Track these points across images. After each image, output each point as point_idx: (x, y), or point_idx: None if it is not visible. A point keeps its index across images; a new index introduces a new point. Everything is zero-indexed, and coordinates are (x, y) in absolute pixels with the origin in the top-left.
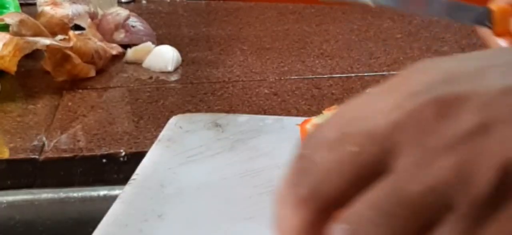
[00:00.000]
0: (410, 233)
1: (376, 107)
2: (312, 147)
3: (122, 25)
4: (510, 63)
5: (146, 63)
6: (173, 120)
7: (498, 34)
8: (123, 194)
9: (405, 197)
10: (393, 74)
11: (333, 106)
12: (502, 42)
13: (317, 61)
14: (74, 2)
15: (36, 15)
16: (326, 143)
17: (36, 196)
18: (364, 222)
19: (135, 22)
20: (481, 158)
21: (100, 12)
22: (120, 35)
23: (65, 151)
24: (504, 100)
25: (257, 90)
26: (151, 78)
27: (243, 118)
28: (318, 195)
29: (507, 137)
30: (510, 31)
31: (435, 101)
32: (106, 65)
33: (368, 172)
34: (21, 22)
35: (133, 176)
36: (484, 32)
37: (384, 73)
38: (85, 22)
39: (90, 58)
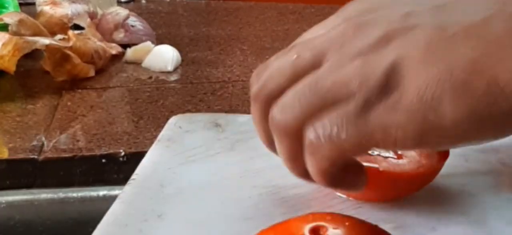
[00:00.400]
0: (315, 111)
1: (321, 27)
2: (271, 60)
3: (121, 25)
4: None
5: (146, 63)
6: (172, 120)
7: None
8: (123, 194)
9: (317, 86)
10: None
11: None
12: None
13: None
14: (73, 2)
15: (35, 14)
16: (278, 54)
17: (36, 196)
18: (284, 104)
19: (134, 21)
20: (378, 61)
21: (99, 11)
22: (120, 35)
23: (64, 151)
24: (404, 20)
25: None
26: (150, 78)
27: (243, 118)
28: (264, 90)
29: (400, 45)
30: None
31: (355, 22)
32: (105, 65)
33: (302, 71)
34: (20, 21)
35: (133, 176)
36: None
37: None
38: (84, 22)
39: (89, 58)
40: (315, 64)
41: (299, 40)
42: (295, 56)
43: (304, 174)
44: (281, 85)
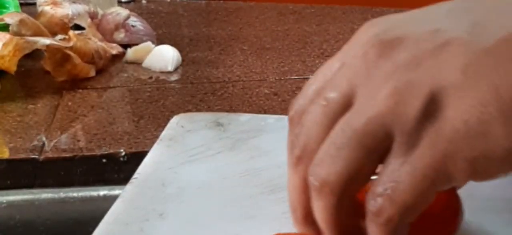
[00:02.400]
0: (361, 162)
1: (338, 59)
2: (298, 113)
3: (122, 25)
4: (439, 12)
5: (146, 63)
6: (175, 119)
7: None
8: (124, 193)
9: (352, 129)
10: None
11: None
12: None
13: (317, 61)
14: (74, 2)
15: (36, 15)
16: (305, 105)
17: (36, 196)
18: (323, 157)
19: (135, 22)
20: (412, 88)
21: (100, 12)
22: (120, 35)
23: (65, 151)
24: (433, 37)
25: (257, 90)
26: (151, 78)
27: (245, 117)
28: (305, 153)
29: (433, 68)
30: None
31: (378, 43)
32: (106, 65)
33: (336, 117)
34: (21, 22)
35: (134, 175)
36: None
37: None
38: (85, 22)
39: (90, 58)
40: (346, 104)
41: (321, 75)
42: (324, 103)
43: None
44: (322, 139)
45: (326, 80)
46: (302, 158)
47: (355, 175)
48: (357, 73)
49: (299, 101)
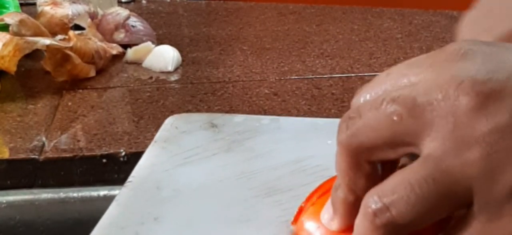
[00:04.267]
0: (437, 213)
1: (422, 78)
2: (362, 102)
3: (122, 25)
4: None
5: (146, 63)
6: (169, 120)
7: None
8: (119, 196)
9: (436, 184)
10: None
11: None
12: None
13: (317, 61)
14: (74, 2)
15: (36, 15)
16: (373, 102)
17: (36, 196)
18: (399, 199)
19: (135, 22)
20: (507, 159)
21: (100, 12)
22: (120, 35)
23: (65, 151)
24: None
25: (257, 90)
26: (151, 78)
27: (239, 118)
28: (354, 140)
29: None
30: None
31: (474, 94)
32: (106, 65)
33: (400, 139)
34: (21, 22)
35: (129, 178)
36: None
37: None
38: (85, 22)
39: (90, 58)
40: (418, 135)
41: (394, 84)
42: (395, 117)
43: None
44: (376, 144)
45: (404, 88)
46: (348, 145)
47: (422, 222)
48: (444, 115)
49: (376, 87)
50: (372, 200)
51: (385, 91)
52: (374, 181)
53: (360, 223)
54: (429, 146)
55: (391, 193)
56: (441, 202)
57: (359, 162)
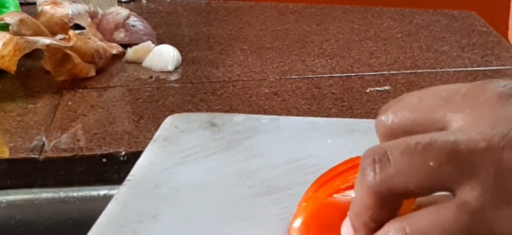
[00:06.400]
0: None
1: (461, 121)
2: (393, 144)
3: (122, 25)
4: None
5: (146, 63)
6: (168, 119)
7: None
8: (118, 194)
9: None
10: (394, 74)
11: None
12: None
13: (317, 61)
14: (74, 2)
15: (36, 14)
16: (406, 146)
17: (36, 196)
18: None
19: (135, 21)
20: None
21: (100, 11)
22: (120, 35)
23: (65, 150)
24: None
25: (257, 89)
26: (151, 77)
27: (239, 117)
28: (386, 184)
29: None
30: None
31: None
32: (106, 65)
33: (435, 184)
34: (21, 21)
35: (128, 177)
36: None
37: (384, 72)
38: (85, 22)
39: (90, 57)
40: (456, 182)
41: (428, 110)
42: (431, 163)
43: None
44: (408, 190)
45: (440, 129)
46: (379, 187)
47: None
48: (486, 164)
49: (399, 125)
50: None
51: (418, 128)
52: (396, 209)
53: None
54: (467, 194)
55: (423, 234)
56: None
57: (387, 202)
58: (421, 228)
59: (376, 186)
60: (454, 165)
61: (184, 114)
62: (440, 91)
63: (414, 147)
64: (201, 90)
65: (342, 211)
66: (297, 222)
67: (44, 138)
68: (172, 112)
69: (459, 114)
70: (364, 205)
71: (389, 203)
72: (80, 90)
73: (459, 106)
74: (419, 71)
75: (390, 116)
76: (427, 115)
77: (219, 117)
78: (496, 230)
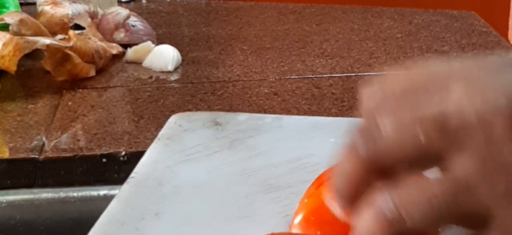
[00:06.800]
0: (450, 227)
1: (451, 92)
2: (382, 112)
3: (122, 25)
4: None
5: (146, 63)
6: (173, 118)
7: None
8: (121, 192)
9: (459, 204)
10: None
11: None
12: None
13: (317, 61)
14: (74, 2)
15: (36, 14)
16: (396, 119)
17: (36, 196)
18: (418, 212)
19: (135, 21)
20: None
21: (100, 11)
22: (120, 35)
23: (65, 150)
24: None
25: (257, 89)
26: (151, 77)
27: (242, 116)
28: (371, 149)
29: None
30: None
31: (509, 115)
32: (106, 65)
33: (426, 157)
34: (21, 21)
35: (132, 175)
36: None
37: (384, 72)
38: (85, 22)
39: (90, 57)
40: (446, 154)
41: (419, 97)
42: (421, 136)
43: None
44: (396, 159)
45: (429, 100)
46: (366, 162)
47: (430, 231)
48: (474, 135)
49: (398, 97)
50: (387, 206)
51: (407, 102)
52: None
53: (369, 223)
54: (457, 165)
55: (410, 204)
56: (459, 220)
57: (374, 172)
58: (411, 199)
59: (368, 158)
60: (445, 140)
61: (187, 113)
62: (429, 68)
63: (405, 121)
64: (201, 90)
65: None
66: (299, 218)
67: (44, 138)
68: (172, 112)
69: (451, 85)
70: (351, 174)
71: (377, 174)
72: (80, 90)
73: (450, 76)
74: None
75: (380, 103)
76: (416, 91)
77: (223, 116)
78: (484, 200)
